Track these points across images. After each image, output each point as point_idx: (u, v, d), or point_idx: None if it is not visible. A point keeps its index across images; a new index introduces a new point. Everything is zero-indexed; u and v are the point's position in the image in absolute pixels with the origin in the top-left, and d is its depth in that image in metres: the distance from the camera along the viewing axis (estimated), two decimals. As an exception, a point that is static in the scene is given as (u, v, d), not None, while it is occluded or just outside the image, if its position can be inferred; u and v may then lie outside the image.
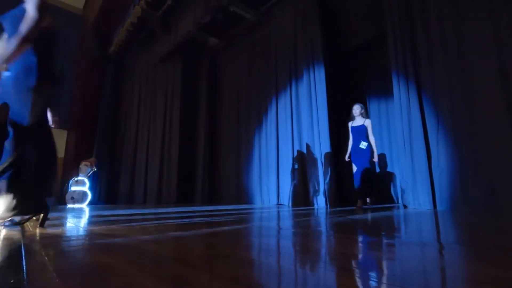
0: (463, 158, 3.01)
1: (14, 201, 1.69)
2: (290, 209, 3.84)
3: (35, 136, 1.80)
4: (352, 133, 3.96)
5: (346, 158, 4.01)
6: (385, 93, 4.79)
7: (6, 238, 1.38)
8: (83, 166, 5.60)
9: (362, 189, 3.74)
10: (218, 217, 2.66)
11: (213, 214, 2.92)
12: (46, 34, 1.89)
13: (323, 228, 1.86)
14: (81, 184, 5.46)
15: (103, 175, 6.49)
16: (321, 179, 4.29)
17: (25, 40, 1.73)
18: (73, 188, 5.39)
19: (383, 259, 0.98)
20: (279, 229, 1.79)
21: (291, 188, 4.68)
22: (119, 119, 7.17)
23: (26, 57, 1.79)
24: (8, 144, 1.75)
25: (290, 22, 5.18)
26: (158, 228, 1.75)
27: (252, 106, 5.88)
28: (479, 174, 2.87)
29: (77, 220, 2.48)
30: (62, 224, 2.11)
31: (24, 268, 0.80)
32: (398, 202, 4.55)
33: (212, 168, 6.73)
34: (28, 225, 1.88)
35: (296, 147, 4.70)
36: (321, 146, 4.31)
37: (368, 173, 3.77)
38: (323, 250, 1.15)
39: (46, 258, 0.92)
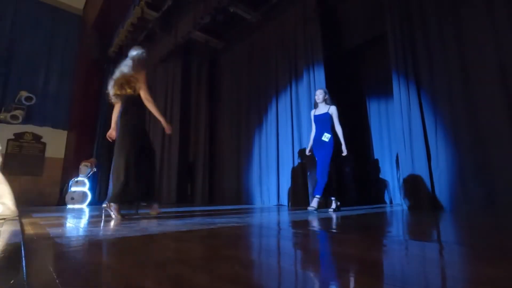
0: (463, 158, 3.01)
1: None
2: (290, 209, 3.83)
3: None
4: (315, 123, 3.46)
5: (307, 152, 3.53)
6: (385, 93, 4.79)
7: (6, 238, 1.38)
8: (83, 166, 5.59)
9: (325, 188, 3.18)
10: (218, 218, 2.66)
11: (213, 214, 2.92)
12: None
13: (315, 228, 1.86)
14: (81, 185, 5.45)
15: (103, 176, 6.48)
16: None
17: None
18: (73, 189, 5.39)
19: (384, 259, 0.98)
20: (279, 230, 1.79)
21: (291, 188, 4.67)
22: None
23: None
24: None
25: (290, 23, 5.18)
26: (159, 229, 1.75)
27: (252, 106, 5.88)
28: (479, 174, 2.87)
29: (77, 221, 2.48)
30: (62, 225, 2.11)
31: (24, 268, 0.80)
32: (392, 203, 4.55)
33: (212, 168, 6.73)
34: (28, 226, 1.88)
35: (296, 147, 4.70)
36: (321, 146, 4.30)
37: (327, 169, 3.20)
38: (323, 250, 1.15)
39: (46, 258, 0.92)
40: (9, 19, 5.69)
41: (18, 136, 5.70)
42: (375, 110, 5.13)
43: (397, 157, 4.32)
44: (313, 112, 3.54)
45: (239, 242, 1.36)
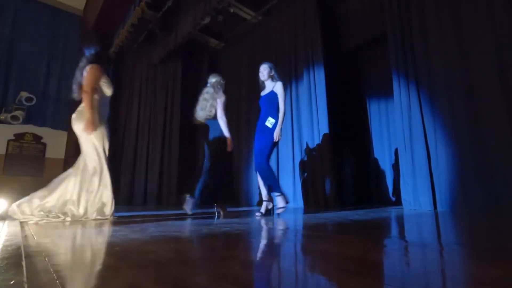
0: (463, 159, 3.01)
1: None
2: (289, 209, 3.83)
3: None
4: (261, 105, 2.90)
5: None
6: (385, 93, 4.79)
7: (6, 239, 1.38)
8: (84, 167, 5.58)
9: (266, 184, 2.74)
10: (218, 217, 2.66)
11: (213, 215, 2.92)
12: None
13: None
14: (82, 185, 5.44)
15: (103, 176, 6.47)
16: (322, 179, 4.28)
17: None
18: (74, 189, 5.38)
19: (384, 259, 0.98)
20: (279, 230, 1.79)
21: (291, 188, 4.67)
22: (119, 120, 7.17)
23: None
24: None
25: (290, 23, 5.18)
26: (159, 229, 1.75)
27: (253, 106, 5.88)
28: (479, 175, 2.87)
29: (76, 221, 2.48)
30: (62, 225, 2.11)
31: (24, 269, 0.80)
32: (392, 203, 4.55)
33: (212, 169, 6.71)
34: (28, 226, 1.88)
35: (296, 147, 4.70)
36: (321, 146, 4.30)
37: (265, 162, 2.66)
38: (322, 250, 1.15)
39: (46, 259, 0.92)
40: (10, 19, 5.70)
41: (19, 137, 5.70)
42: (375, 110, 5.13)
43: (397, 157, 4.32)
44: (262, 94, 2.95)
45: (239, 243, 1.36)
